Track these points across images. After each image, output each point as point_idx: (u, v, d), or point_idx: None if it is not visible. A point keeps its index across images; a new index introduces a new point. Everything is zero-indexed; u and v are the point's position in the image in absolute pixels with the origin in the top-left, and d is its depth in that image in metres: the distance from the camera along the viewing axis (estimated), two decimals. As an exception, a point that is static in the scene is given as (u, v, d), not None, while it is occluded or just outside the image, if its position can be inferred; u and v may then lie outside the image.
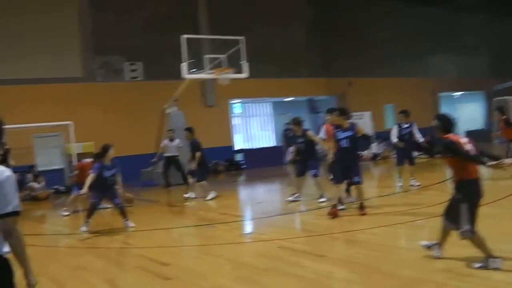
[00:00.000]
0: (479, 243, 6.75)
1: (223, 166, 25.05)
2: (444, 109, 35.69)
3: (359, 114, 25.73)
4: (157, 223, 12.86)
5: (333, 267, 7.62)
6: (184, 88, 19.88)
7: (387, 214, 11.44)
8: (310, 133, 13.74)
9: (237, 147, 28.02)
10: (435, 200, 12.33)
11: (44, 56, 20.81)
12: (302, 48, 28.45)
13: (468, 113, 36.63)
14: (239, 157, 26.87)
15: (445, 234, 7.34)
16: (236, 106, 29.40)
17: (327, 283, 7.00)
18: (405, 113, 15.79)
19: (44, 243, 10.89)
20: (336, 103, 27.48)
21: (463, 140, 7.01)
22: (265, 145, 30.27)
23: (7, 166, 3.98)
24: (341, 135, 11.39)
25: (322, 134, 13.17)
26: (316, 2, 29.18)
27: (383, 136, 25.77)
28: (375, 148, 24.85)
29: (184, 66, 18.33)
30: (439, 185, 14.91)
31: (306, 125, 28.24)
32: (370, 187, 15.41)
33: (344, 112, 11.64)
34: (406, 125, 15.41)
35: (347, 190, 12.26)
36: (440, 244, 7.40)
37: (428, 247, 7.52)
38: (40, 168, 20.02)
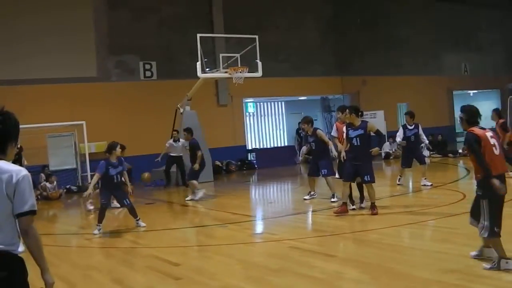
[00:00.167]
0: (495, 242, 6.66)
1: (235, 165, 25.01)
2: (459, 108, 35.44)
3: (372, 113, 25.65)
4: (167, 223, 12.90)
5: (343, 267, 7.60)
6: (198, 87, 19.91)
7: (399, 214, 11.39)
8: (320, 132, 13.72)
9: (249, 146, 27.99)
10: (447, 200, 12.31)
11: (59, 56, 20.88)
12: (316, 47, 28.38)
13: (483, 111, 36.16)
14: (251, 157, 26.82)
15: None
16: (250, 105, 29.36)
17: (337, 283, 6.98)
18: (409, 114, 15.92)
19: (55, 242, 10.93)
20: (349, 102, 27.40)
21: (489, 133, 6.81)
22: (277, 145, 30.25)
23: (20, 165, 3.99)
24: (353, 133, 11.36)
25: (333, 132, 13.17)
26: (331, 0, 29.11)
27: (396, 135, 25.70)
28: (387, 147, 24.78)
29: (198, 65, 18.36)
30: (451, 185, 14.82)
31: (320, 124, 28.52)
32: (381, 186, 15.35)
33: (356, 110, 11.58)
34: (410, 127, 15.56)
35: (360, 191, 12.16)
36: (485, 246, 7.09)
37: (479, 256, 7.15)
38: (52, 168, 20.08)
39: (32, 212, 3.72)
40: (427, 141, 15.76)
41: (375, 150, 11.46)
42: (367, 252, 8.27)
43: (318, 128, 14.01)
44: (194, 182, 15.81)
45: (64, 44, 21.01)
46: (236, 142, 25.86)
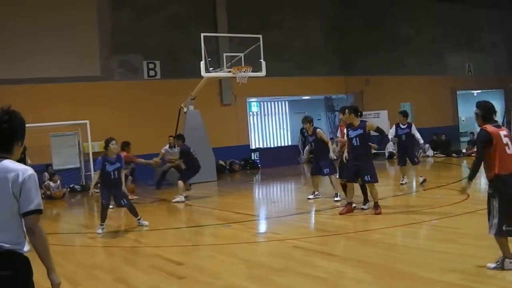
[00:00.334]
0: (501, 241, 6.65)
1: (239, 165, 25.03)
2: (462, 108, 35.48)
3: (375, 113, 25.65)
4: (170, 222, 12.95)
5: (346, 267, 7.60)
6: (201, 86, 19.93)
7: (402, 213, 11.41)
8: (319, 131, 13.73)
9: (253, 146, 28.00)
10: (450, 200, 12.29)
11: (62, 55, 20.90)
12: (319, 47, 28.36)
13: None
14: (255, 156, 26.83)
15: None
16: (253, 105, 29.37)
17: (340, 282, 6.98)
18: (402, 113, 16.23)
19: (59, 242, 10.95)
20: (353, 102, 27.40)
21: (503, 132, 6.70)
22: (280, 144, 30.25)
23: (25, 164, 4.00)
24: (352, 133, 11.41)
25: (338, 134, 13.21)
26: (335, 0, 29.10)
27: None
28: (391, 147, 24.75)
29: (202, 64, 18.38)
30: (455, 185, 14.82)
31: (323, 123, 28.55)
32: (385, 186, 15.37)
33: (355, 111, 11.61)
34: (403, 126, 15.82)
35: (364, 193, 12.16)
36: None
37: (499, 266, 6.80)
38: (56, 167, 20.11)
39: (38, 211, 3.73)
40: (422, 141, 15.96)
41: (373, 146, 11.48)
42: (370, 252, 8.27)
43: (318, 128, 13.99)
44: (181, 183, 15.87)
45: (67, 43, 21.03)
46: (239, 142, 25.87)
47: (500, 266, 6.59)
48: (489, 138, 6.57)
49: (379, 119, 24.15)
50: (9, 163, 3.76)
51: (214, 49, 22.65)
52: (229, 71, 19.28)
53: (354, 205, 11.97)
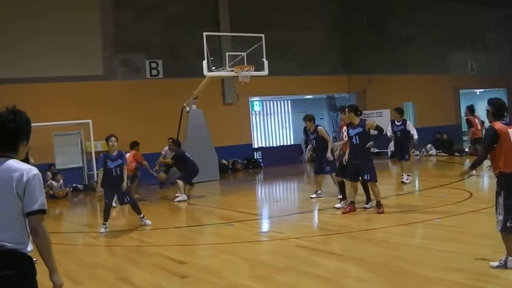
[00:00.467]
0: (506, 238, 6.64)
1: (242, 164, 25.02)
2: (465, 107, 35.39)
3: (378, 112, 25.63)
4: (173, 221, 12.96)
5: (349, 266, 7.59)
6: (204, 85, 19.93)
7: (404, 212, 11.37)
8: (321, 129, 13.73)
9: (255, 145, 27.99)
10: (453, 198, 12.27)
11: (65, 55, 20.87)
12: (322, 46, 28.33)
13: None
14: (257, 155, 26.81)
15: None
16: (256, 104, 29.36)
17: (343, 281, 6.98)
18: (398, 110, 16.59)
19: (62, 241, 10.94)
20: (355, 101, 27.40)
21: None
22: (283, 143, 30.24)
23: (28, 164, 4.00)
24: (352, 132, 11.44)
25: (344, 136, 13.14)
26: (339, -1, 29.15)
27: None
28: (393, 145, 24.70)
29: (204, 63, 18.38)
30: (458, 184, 14.80)
31: (326, 122, 28.51)
32: (387, 185, 15.37)
33: (354, 109, 11.61)
34: (398, 123, 16.15)
35: (366, 192, 12.16)
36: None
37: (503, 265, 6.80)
38: (59, 167, 20.12)
39: (42, 211, 3.72)
40: (416, 136, 16.12)
41: (369, 143, 11.48)
42: (372, 251, 8.26)
43: (319, 125, 13.99)
44: (181, 182, 15.98)
45: (70, 43, 21.01)
46: (242, 141, 25.85)
47: (504, 265, 6.58)
48: (495, 135, 6.57)
49: (382, 118, 24.11)
50: (14, 163, 3.76)
51: (216, 48, 22.63)
52: (232, 70, 19.29)
53: (338, 205, 12.29)
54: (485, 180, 14.56)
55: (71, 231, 12.99)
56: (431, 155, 24.77)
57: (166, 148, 18.31)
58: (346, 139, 12.42)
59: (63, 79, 21.02)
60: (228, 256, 8.82)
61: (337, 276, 7.16)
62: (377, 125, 11.79)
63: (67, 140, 20.87)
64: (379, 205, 11.33)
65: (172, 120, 20.88)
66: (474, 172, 15.59)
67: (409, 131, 16.00)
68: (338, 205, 12.40)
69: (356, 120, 11.49)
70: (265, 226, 12.28)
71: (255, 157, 26.47)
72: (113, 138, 11.57)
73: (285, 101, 30.71)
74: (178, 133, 19.79)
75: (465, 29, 33.34)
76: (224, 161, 23.82)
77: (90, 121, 20.09)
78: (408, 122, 16.27)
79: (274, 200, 16.83)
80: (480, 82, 34.77)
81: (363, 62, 28.99)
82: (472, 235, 8.72)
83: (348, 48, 29.00)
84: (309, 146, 15.09)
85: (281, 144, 30.18)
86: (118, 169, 11.47)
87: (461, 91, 34.63)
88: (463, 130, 33.44)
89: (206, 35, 18.55)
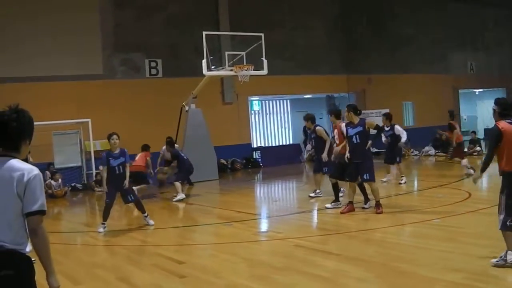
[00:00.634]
0: (506, 235, 6.66)
1: (241, 164, 25.02)
2: (464, 107, 35.48)
3: (377, 111, 25.62)
4: (173, 221, 12.96)
5: (348, 266, 7.59)
6: (203, 85, 19.92)
7: (403, 212, 11.38)
8: (319, 129, 13.68)
9: (254, 144, 27.99)
10: (452, 199, 12.30)
11: (64, 54, 20.81)
12: (322, 45, 28.31)
13: (488, 110, 36.25)
14: (256, 155, 26.81)
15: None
16: (255, 103, 29.36)
17: (342, 281, 6.97)
18: (386, 116, 16.70)
19: (60, 240, 10.94)
20: (355, 100, 27.40)
21: None
22: (282, 143, 30.24)
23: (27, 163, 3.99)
24: (352, 131, 11.41)
25: (336, 137, 13.11)
26: (338, -2, 29.13)
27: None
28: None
29: (204, 62, 18.37)
30: (456, 184, 14.80)
31: (325, 122, 28.48)
32: (387, 185, 15.39)
33: (354, 109, 11.61)
34: (387, 128, 16.19)
35: (363, 192, 12.16)
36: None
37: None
38: (58, 166, 20.09)
39: (41, 212, 3.71)
40: (404, 139, 16.13)
41: (369, 143, 11.48)
42: (371, 251, 8.27)
43: (318, 125, 13.96)
44: (178, 184, 16.02)
45: (70, 42, 20.95)
46: (241, 140, 25.83)
47: (503, 258, 6.62)
48: (499, 134, 6.63)
49: (381, 118, 24.09)
50: (16, 162, 3.75)
51: (216, 48, 22.62)
52: (231, 70, 19.27)
53: (328, 205, 12.40)
54: (484, 180, 14.58)
55: (69, 231, 12.98)
56: (430, 155, 24.77)
57: (164, 147, 18.32)
58: (338, 142, 12.48)
59: (62, 78, 20.99)
60: (227, 256, 8.82)
61: (336, 276, 7.16)
62: (377, 124, 11.83)
63: (66, 139, 20.84)
64: (378, 205, 11.32)
65: (172, 119, 20.87)
66: (471, 171, 15.73)
67: (398, 135, 16.03)
68: (328, 205, 12.46)
69: (356, 119, 11.48)
70: (264, 226, 12.27)
71: (254, 157, 26.45)
72: (114, 136, 11.60)
73: (284, 101, 30.72)
74: (177, 132, 19.78)
75: (465, 29, 33.31)
76: (223, 161, 23.81)
77: (89, 120, 20.08)
78: (396, 126, 16.25)
79: (273, 200, 16.82)
80: (480, 82, 34.76)
81: (363, 61, 28.98)
82: (470, 235, 8.74)
83: (347, 48, 29.00)
84: (308, 146, 15.11)
85: (280, 143, 30.18)
86: (120, 167, 11.48)
87: (460, 91, 34.62)
88: (462, 130, 33.48)
89: (206, 34, 18.54)
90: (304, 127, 25.46)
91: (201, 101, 21.18)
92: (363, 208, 11.87)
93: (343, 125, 12.17)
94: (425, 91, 30.80)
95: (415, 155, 25.08)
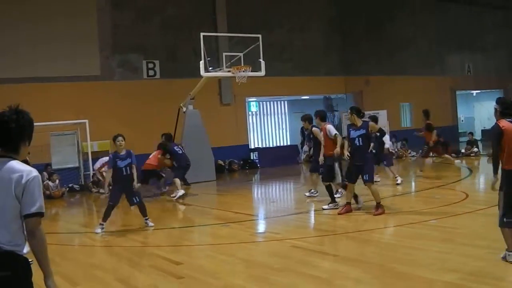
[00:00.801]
0: (505, 233, 6.68)
1: (238, 165, 25.02)
2: (462, 108, 35.51)
3: (375, 113, 25.60)
4: (170, 222, 12.93)
5: (345, 267, 7.59)
6: (201, 86, 19.92)
7: (400, 213, 11.38)
8: (315, 130, 13.60)
9: (252, 145, 27.99)
10: (449, 199, 12.30)
11: (62, 55, 20.86)
12: (320, 47, 28.37)
13: (486, 111, 36.31)
14: (254, 156, 26.81)
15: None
16: (252, 104, 29.37)
17: (339, 282, 6.97)
18: (372, 119, 16.51)
19: (58, 241, 10.93)
20: (352, 102, 27.41)
21: None
22: (280, 144, 30.26)
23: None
24: (354, 133, 11.37)
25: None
26: (336, 0, 29.10)
27: (399, 135, 25.68)
28: (390, 147, 24.69)
29: (201, 64, 18.37)
30: (453, 184, 14.82)
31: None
32: (383, 186, 15.40)
33: (357, 111, 11.59)
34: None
35: (330, 192, 12.29)
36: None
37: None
38: (55, 166, 20.07)
39: (39, 214, 3.70)
40: (387, 146, 16.32)
41: (372, 146, 11.49)
42: (369, 252, 8.28)
43: (314, 126, 13.92)
44: (177, 180, 16.16)
45: (68, 43, 20.99)
46: (239, 141, 25.85)
47: (503, 258, 6.66)
48: (500, 132, 6.69)
49: (379, 119, 24.09)
50: (15, 164, 3.74)
51: (213, 49, 22.64)
52: (229, 71, 19.27)
53: (325, 207, 12.42)
54: (481, 181, 14.61)
55: (67, 231, 12.98)
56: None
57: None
58: (324, 143, 12.49)
59: (60, 79, 21.00)
60: (225, 256, 8.81)
61: (333, 277, 7.16)
62: (380, 128, 11.83)
63: (64, 140, 20.83)
64: (378, 206, 11.27)
65: (169, 120, 20.85)
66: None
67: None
68: (325, 206, 12.47)
69: (359, 122, 11.43)
70: (262, 226, 12.26)
71: (252, 158, 26.47)
72: (120, 138, 11.61)
73: (282, 102, 30.76)
74: (174, 133, 19.76)
75: (462, 30, 33.37)
76: (220, 162, 23.81)
77: (86, 121, 20.07)
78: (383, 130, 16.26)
79: (271, 201, 16.83)
80: (477, 84, 34.83)
81: (360, 63, 29.05)
82: (468, 236, 8.74)
83: (345, 49, 29.05)
84: (305, 147, 15.12)
85: (278, 144, 30.20)
86: (128, 168, 11.49)
87: (457, 92, 34.69)
88: (459, 131, 33.57)
89: (203, 36, 18.54)
90: (302, 128, 25.50)
91: (198, 102, 21.19)
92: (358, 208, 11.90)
93: (328, 126, 12.24)
94: (423, 92, 30.82)
95: (413, 156, 25.07)
